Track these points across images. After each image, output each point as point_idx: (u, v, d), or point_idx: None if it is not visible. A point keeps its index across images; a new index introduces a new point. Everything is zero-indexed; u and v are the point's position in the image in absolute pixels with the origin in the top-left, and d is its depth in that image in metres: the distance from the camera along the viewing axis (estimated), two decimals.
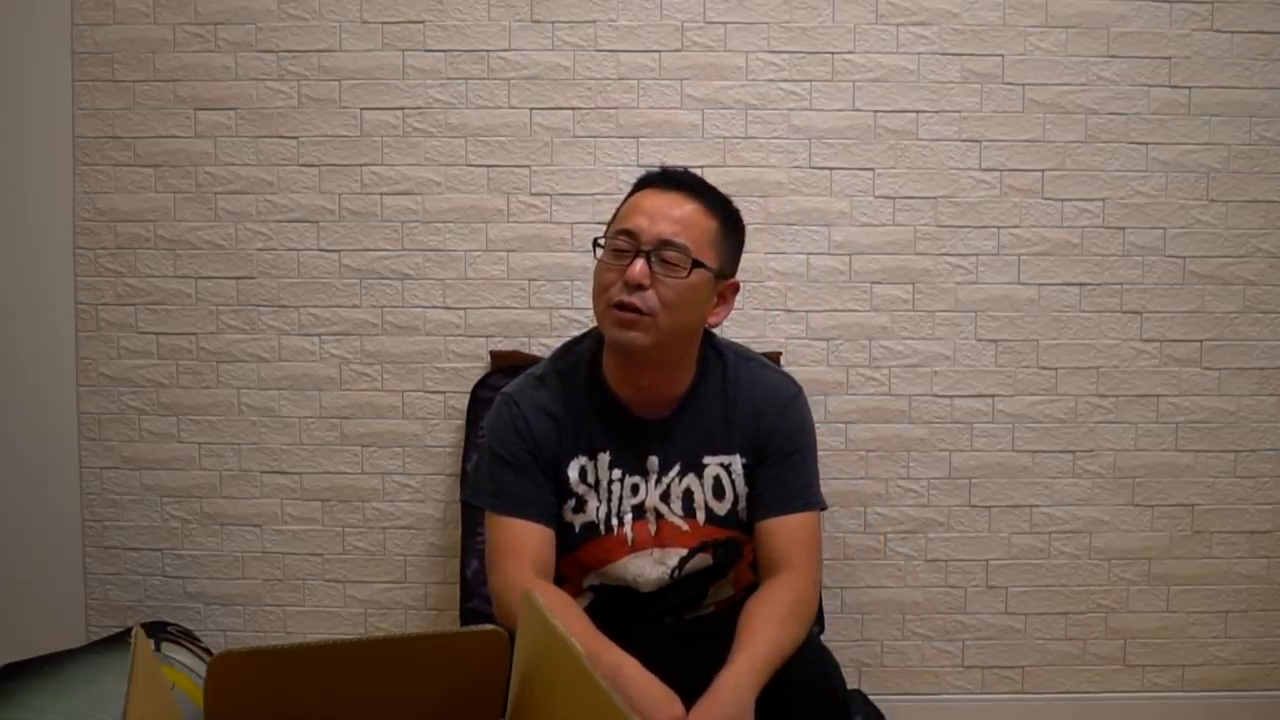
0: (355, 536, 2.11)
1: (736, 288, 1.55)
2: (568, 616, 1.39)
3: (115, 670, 1.77)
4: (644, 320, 1.44)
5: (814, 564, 1.52)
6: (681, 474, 1.54)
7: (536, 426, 1.52)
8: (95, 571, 2.12)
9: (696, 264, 1.45)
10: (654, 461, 1.53)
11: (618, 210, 1.53)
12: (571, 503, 1.53)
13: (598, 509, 1.53)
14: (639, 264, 1.43)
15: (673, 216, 1.46)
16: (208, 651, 1.95)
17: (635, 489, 1.53)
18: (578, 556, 1.55)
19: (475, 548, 1.97)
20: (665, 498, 1.54)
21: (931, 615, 2.13)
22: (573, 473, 1.52)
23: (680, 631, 1.56)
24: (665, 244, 1.44)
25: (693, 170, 2.02)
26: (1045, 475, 2.12)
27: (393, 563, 2.12)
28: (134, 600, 2.12)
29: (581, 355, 1.58)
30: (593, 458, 1.53)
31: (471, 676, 1.03)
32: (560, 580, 1.56)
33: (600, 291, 1.47)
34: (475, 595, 1.97)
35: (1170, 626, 2.14)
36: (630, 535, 1.53)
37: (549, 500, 1.52)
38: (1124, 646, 2.14)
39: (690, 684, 1.36)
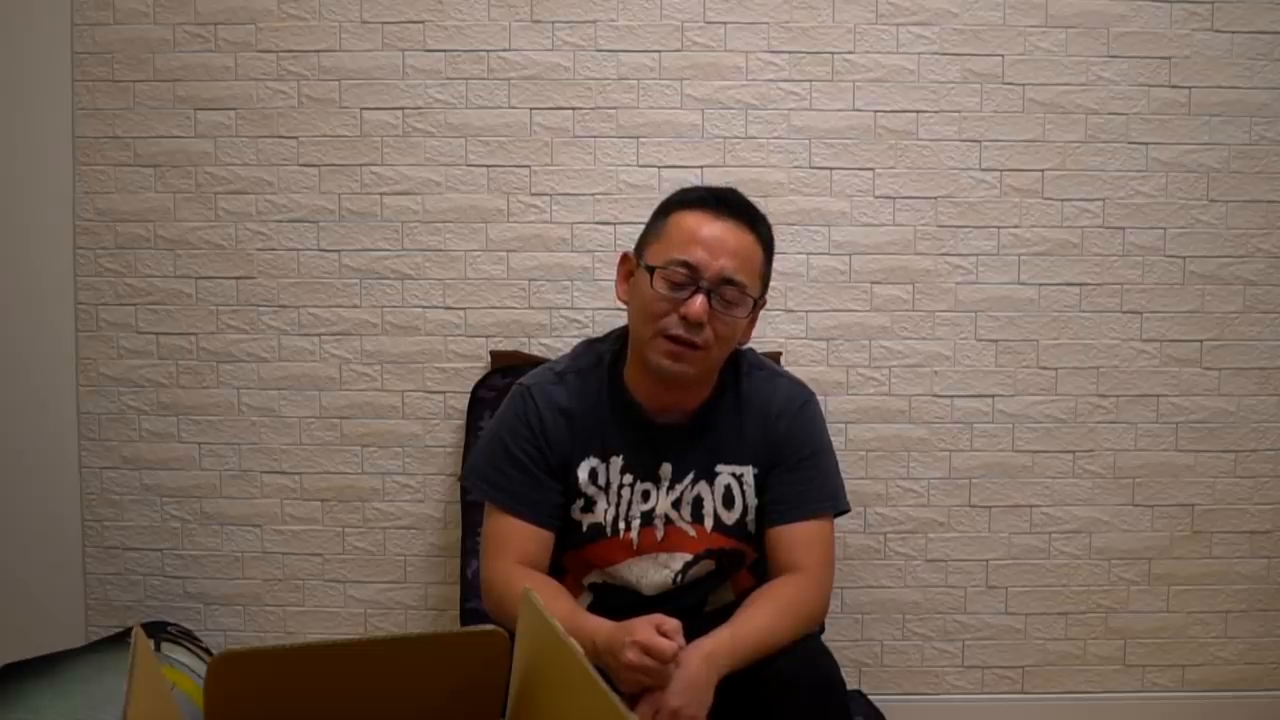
0: (355, 536, 2.11)
1: (763, 305, 1.55)
2: (550, 600, 1.38)
3: (115, 670, 1.77)
4: (696, 355, 1.44)
5: (823, 568, 1.52)
6: (694, 481, 1.53)
7: (550, 424, 1.51)
8: (95, 571, 2.12)
9: (755, 303, 1.47)
10: (667, 469, 1.53)
11: (658, 226, 1.50)
12: (580, 502, 1.53)
13: (605, 511, 1.53)
14: (699, 301, 1.42)
15: (731, 250, 1.44)
16: (208, 651, 1.95)
17: (646, 495, 1.53)
18: (582, 554, 1.55)
19: (475, 548, 1.96)
20: (677, 504, 1.53)
21: (931, 615, 2.13)
22: (583, 474, 1.52)
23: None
24: (726, 281, 1.43)
25: (692, 170, 2.05)
26: (1045, 475, 2.12)
27: (393, 563, 2.12)
28: (134, 600, 2.12)
29: (603, 355, 1.58)
30: (605, 460, 1.53)
31: (471, 676, 1.02)
32: (561, 572, 1.56)
33: (651, 318, 1.45)
34: (475, 595, 1.96)
35: (1170, 626, 2.14)
36: (635, 539, 1.53)
37: (551, 502, 1.52)
38: (1124, 646, 2.14)
39: None
